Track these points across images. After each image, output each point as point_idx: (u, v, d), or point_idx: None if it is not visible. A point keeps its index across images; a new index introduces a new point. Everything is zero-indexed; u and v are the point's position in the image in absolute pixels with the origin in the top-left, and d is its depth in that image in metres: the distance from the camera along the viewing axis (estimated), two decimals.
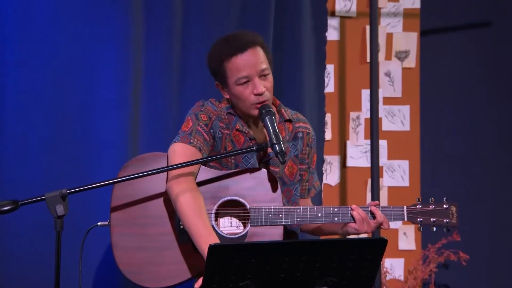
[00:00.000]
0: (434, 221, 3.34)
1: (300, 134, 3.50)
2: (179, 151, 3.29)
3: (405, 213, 3.34)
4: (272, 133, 3.22)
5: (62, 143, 4.06)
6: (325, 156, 4.85)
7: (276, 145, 3.19)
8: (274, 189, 3.31)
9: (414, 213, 3.34)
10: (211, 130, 3.35)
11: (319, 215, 3.29)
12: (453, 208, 3.36)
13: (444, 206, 3.35)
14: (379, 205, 3.32)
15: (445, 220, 3.34)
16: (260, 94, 3.29)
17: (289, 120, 3.47)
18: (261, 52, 3.32)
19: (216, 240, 3.11)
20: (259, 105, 3.31)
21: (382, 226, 3.30)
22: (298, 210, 3.28)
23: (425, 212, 3.34)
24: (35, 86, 4.04)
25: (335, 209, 3.29)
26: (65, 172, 4.04)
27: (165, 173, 3.26)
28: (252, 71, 3.29)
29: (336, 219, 3.29)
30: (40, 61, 4.04)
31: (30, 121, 4.03)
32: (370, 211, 3.28)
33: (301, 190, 3.54)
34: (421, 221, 3.34)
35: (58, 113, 4.07)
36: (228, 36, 3.38)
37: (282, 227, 3.29)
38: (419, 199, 3.37)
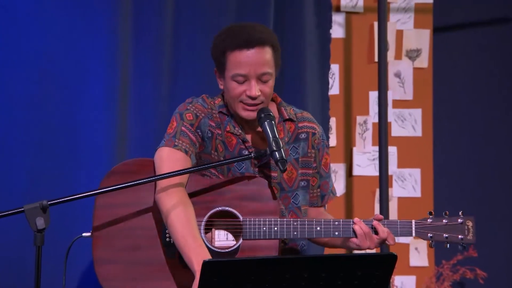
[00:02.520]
0: (447, 237, 3.29)
1: (303, 135, 3.48)
2: (166, 157, 3.29)
3: (414, 228, 3.30)
4: (271, 139, 3.21)
5: (47, 146, 4.08)
6: None
7: (276, 152, 3.18)
8: (270, 200, 3.30)
9: (424, 228, 3.29)
10: (198, 130, 3.34)
11: (318, 228, 3.28)
12: (469, 223, 3.30)
13: (459, 220, 3.30)
14: (382, 219, 3.29)
15: (459, 236, 3.29)
16: (253, 98, 3.29)
17: (290, 120, 3.46)
18: (270, 53, 3.30)
19: (207, 254, 3.11)
20: (247, 107, 3.30)
21: (387, 242, 3.28)
22: (295, 223, 3.26)
23: (437, 227, 3.30)
24: (19, 86, 4.06)
25: (336, 223, 3.28)
26: (49, 176, 4.06)
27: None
28: (252, 71, 3.27)
29: (336, 233, 3.28)
30: (24, 60, 4.07)
31: (11, 123, 4.04)
32: (372, 226, 3.27)
33: (311, 198, 3.52)
34: (431, 236, 3.29)
35: (42, 115, 4.09)
36: (240, 26, 3.37)
37: (277, 240, 3.28)
38: (431, 212, 3.32)
